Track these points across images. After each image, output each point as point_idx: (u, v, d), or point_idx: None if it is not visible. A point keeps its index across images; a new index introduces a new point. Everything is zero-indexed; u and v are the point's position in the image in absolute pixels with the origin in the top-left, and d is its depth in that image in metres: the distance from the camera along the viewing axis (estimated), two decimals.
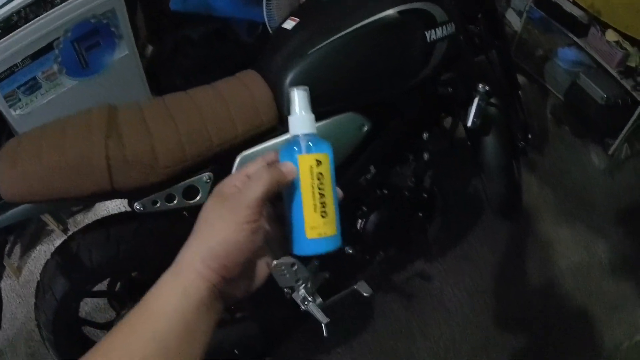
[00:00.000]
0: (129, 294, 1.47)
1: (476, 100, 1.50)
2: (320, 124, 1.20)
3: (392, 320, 1.87)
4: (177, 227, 1.25)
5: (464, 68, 1.48)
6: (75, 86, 1.84)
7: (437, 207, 1.63)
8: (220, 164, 1.14)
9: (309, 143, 0.55)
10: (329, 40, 1.18)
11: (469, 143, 1.67)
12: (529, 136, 1.89)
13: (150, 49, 2.13)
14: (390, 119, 1.33)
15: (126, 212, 1.35)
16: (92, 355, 0.46)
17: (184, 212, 1.22)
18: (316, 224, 0.55)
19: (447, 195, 1.73)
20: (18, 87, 1.74)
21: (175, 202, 1.13)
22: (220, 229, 0.51)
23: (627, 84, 2.34)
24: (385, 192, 1.47)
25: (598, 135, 2.52)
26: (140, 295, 0.51)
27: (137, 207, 1.11)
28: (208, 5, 2.09)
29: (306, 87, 0.57)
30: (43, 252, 2.12)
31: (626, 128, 2.38)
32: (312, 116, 0.57)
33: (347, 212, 1.46)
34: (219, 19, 2.20)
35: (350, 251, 1.47)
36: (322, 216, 0.55)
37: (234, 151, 1.15)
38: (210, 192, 1.13)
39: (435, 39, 1.28)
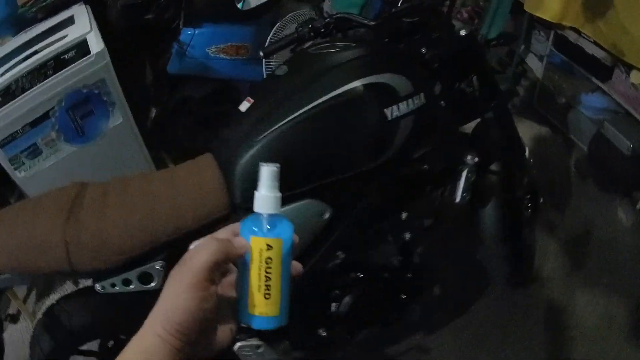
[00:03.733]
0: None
1: (464, 174, 1.41)
2: None
3: None
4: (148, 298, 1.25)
5: (445, 140, 1.40)
6: (74, 152, 1.89)
7: (425, 286, 1.54)
8: (173, 251, 1.12)
9: (267, 225, 0.56)
10: (280, 124, 1.14)
11: (456, 215, 1.57)
12: (540, 200, 1.78)
13: (153, 111, 2.17)
14: (355, 203, 1.27)
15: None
16: None
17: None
18: (258, 303, 0.57)
19: (442, 267, 1.64)
20: (21, 152, 1.81)
21: (132, 286, 1.13)
22: (172, 293, 0.53)
23: None
24: (360, 275, 1.40)
25: (625, 188, 2.36)
26: None
27: (98, 288, 1.13)
28: (205, 67, 2.12)
29: (277, 165, 0.58)
30: (56, 300, 2.19)
31: None
32: (278, 195, 0.57)
33: (318, 294, 1.40)
34: (217, 79, 2.22)
35: (324, 334, 1.41)
36: (265, 297, 0.56)
37: (185, 240, 1.12)
38: (164, 278, 1.11)
39: (398, 115, 1.18)
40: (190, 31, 2.05)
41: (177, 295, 0.53)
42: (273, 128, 1.14)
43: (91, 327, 1.29)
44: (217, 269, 0.55)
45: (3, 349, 1.30)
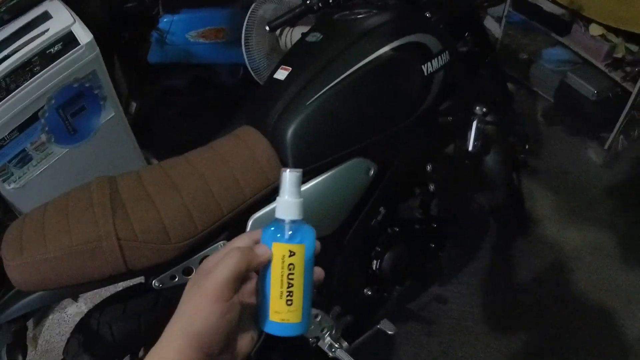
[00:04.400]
0: None
1: (475, 124, 1.49)
2: (328, 174, 1.18)
3: (416, 348, 1.85)
4: None
5: (461, 94, 1.47)
6: (66, 153, 1.81)
7: (447, 234, 1.61)
8: (233, 230, 1.10)
9: (289, 232, 0.56)
10: (326, 88, 1.16)
11: (467, 162, 1.65)
12: (527, 147, 1.89)
13: (134, 105, 2.10)
14: (395, 157, 1.31)
15: (139, 283, 1.31)
16: None
17: None
18: (280, 310, 0.56)
19: (454, 219, 1.71)
20: (9, 161, 1.71)
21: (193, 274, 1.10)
22: (194, 307, 0.52)
23: (617, 76, 2.35)
24: (397, 229, 1.45)
25: (592, 131, 2.53)
26: None
27: (155, 285, 1.07)
28: (186, 54, 2.09)
29: (300, 170, 0.57)
30: (56, 320, 2.09)
31: (620, 120, 2.38)
32: (300, 201, 0.57)
33: (361, 254, 1.43)
34: (198, 65, 2.19)
35: (370, 293, 1.44)
36: (288, 304, 0.56)
37: (245, 215, 1.11)
38: None
39: (432, 70, 1.26)
40: (168, 18, 2.00)
41: (201, 309, 0.52)
42: (321, 92, 1.15)
43: (136, 333, 1.17)
44: (240, 279, 0.54)
45: None
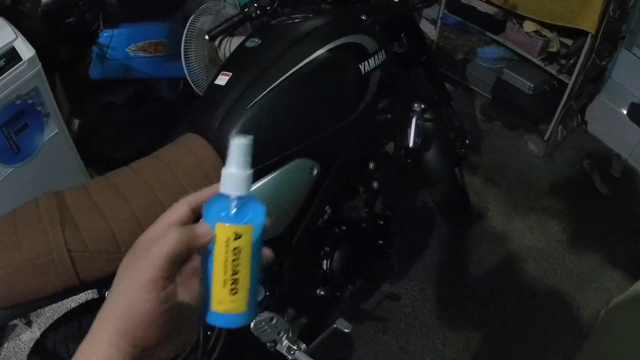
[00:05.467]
0: None
1: (414, 121, 1.55)
2: (271, 176, 1.19)
3: (374, 346, 1.88)
4: None
5: (399, 92, 1.52)
6: (10, 173, 1.76)
7: (394, 231, 1.66)
8: None
9: (236, 209, 0.49)
10: (266, 91, 1.17)
11: (409, 161, 1.71)
12: (467, 141, 1.95)
13: (76, 122, 2.07)
14: (337, 156, 1.34)
15: (92, 299, 1.31)
16: None
17: None
18: (223, 300, 0.50)
19: (400, 216, 1.76)
20: None
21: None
22: (127, 294, 0.46)
23: (552, 69, 2.46)
24: (344, 228, 1.48)
25: (531, 124, 2.62)
26: None
27: (107, 293, 1.06)
28: (127, 69, 2.08)
29: (250, 137, 0.50)
30: (12, 348, 2.00)
31: (558, 111, 2.49)
32: (249, 173, 0.50)
33: (311, 255, 1.46)
34: (138, 80, 2.18)
35: (322, 293, 1.47)
36: (232, 293, 0.50)
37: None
38: None
39: (369, 69, 1.30)
40: (108, 32, 1.99)
41: (133, 296, 0.45)
42: (262, 95, 1.17)
43: None
44: (178, 263, 0.48)
45: None
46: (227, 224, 0.48)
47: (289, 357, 1.38)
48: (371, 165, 1.50)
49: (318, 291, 1.47)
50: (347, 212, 1.54)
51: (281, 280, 1.36)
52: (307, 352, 1.38)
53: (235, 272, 0.49)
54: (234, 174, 0.49)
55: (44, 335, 1.18)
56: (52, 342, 1.15)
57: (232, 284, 0.49)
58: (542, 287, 2.06)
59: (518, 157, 2.58)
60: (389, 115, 1.46)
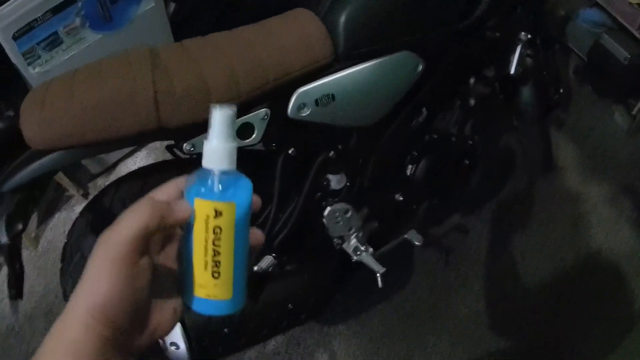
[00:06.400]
0: None
1: (519, 48, 1.49)
2: (376, 61, 1.16)
3: (431, 280, 1.85)
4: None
5: (509, 15, 1.46)
6: (98, 41, 1.77)
7: (480, 156, 1.61)
8: (276, 99, 1.09)
9: (218, 185, 0.45)
10: None
11: (502, 97, 1.65)
12: (561, 90, 1.88)
13: (172, 5, 2.04)
14: (443, 59, 1.30)
15: (162, 161, 1.29)
16: None
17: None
18: (205, 284, 0.47)
19: (486, 148, 1.71)
20: (37, 43, 1.66)
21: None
22: (96, 272, 0.44)
23: None
24: (435, 136, 1.44)
25: (621, 95, 2.51)
26: None
27: (187, 148, 1.03)
28: None
29: (233, 106, 0.46)
30: (62, 219, 2.05)
31: None
32: (233, 145, 0.46)
33: (397, 156, 1.43)
34: None
35: (401, 199, 1.43)
36: (214, 277, 0.46)
37: (290, 87, 1.09)
38: (266, 131, 1.08)
39: None
40: None
41: (102, 273, 0.43)
42: None
43: None
44: (150, 238, 0.45)
45: (23, 270, 1.05)
46: (206, 200, 0.45)
47: (354, 257, 1.35)
48: (472, 81, 1.46)
49: (397, 196, 1.43)
50: (439, 123, 1.49)
51: (363, 174, 1.32)
52: (374, 257, 1.35)
53: (216, 254, 0.46)
54: (217, 147, 0.46)
55: (102, 192, 1.16)
56: (109, 199, 1.13)
57: (214, 266, 0.46)
58: (603, 260, 2.00)
59: (602, 124, 2.48)
60: (498, 34, 1.40)
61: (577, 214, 2.11)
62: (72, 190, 2.04)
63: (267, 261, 1.27)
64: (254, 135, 1.09)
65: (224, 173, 0.46)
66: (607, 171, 2.29)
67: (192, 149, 1.04)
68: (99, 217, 1.15)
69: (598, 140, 2.42)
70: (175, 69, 0.97)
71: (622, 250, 2.02)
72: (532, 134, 1.83)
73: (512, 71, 1.49)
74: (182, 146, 1.03)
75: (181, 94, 0.94)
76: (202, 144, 0.98)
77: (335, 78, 1.11)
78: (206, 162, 0.46)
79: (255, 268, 1.25)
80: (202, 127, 1.00)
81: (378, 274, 1.32)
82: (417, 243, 1.41)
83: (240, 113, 1.05)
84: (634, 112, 2.45)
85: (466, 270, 1.89)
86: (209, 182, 0.46)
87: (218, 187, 0.45)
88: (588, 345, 1.77)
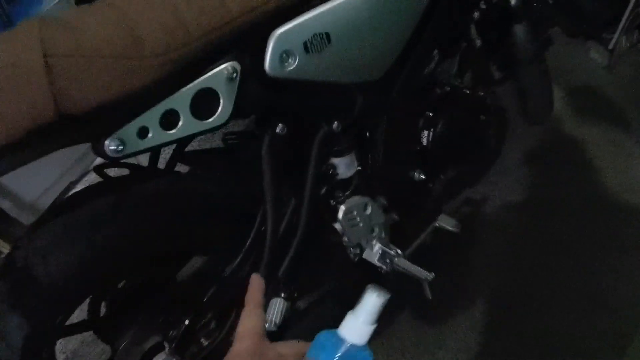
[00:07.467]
0: (120, 315, 0.97)
1: None
2: None
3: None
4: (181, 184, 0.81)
5: None
6: None
7: (492, 110, 1.30)
8: (247, 47, 0.71)
9: (346, 355, 0.47)
10: None
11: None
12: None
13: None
14: None
15: (95, 184, 0.85)
16: None
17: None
18: None
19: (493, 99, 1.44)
20: None
21: (180, 123, 0.68)
22: None
23: None
24: (447, 89, 1.11)
25: (593, 31, 2.32)
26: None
27: (112, 147, 0.64)
28: None
29: (388, 295, 0.48)
30: (12, 246, 1.59)
31: (624, 19, 2.18)
32: (373, 328, 0.48)
33: (411, 122, 1.10)
34: None
35: (422, 176, 1.08)
36: None
37: (264, 28, 0.72)
38: (237, 98, 0.70)
39: None
40: None
41: None
42: None
43: (86, 260, 0.73)
44: None
45: None
46: None
47: (384, 267, 0.98)
48: (475, 15, 1.14)
49: (416, 174, 1.07)
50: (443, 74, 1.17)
51: (374, 150, 0.95)
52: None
53: None
54: (360, 326, 0.48)
55: (15, 247, 0.76)
56: (22, 256, 0.74)
57: None
58: (610, 204, 1.84)
59: (581, 65, 2.31)
60: None
61: (579, 160, 1.99)
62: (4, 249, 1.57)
63: (277, 307, 0.88)
64: (219, 110, 0.70)
65: (353, 346, 0.48)
66: (597, 110, 2.15)
67: (121, 147, 0.65)
68: (12, 288, 0.72)
69: (581, 82, 2.27)
70: (81, 20, 0.60)
71: (629, 189, 1.87)
72: (533, 73, 1.63)
73: (513, 2, 1.32)
74: (103, 146, 0.64)
75: (88, 54, 0.57)
76: (136, 138, 0.60)
77: (329, 8, 0.75)
78: (344, 332, 0.48)
79: (267, 325, 0.86)
80: (128, 108, 0.62)
81: (425, 282, 0.95)
82: (453, 229, 1.06)
83: (193, 70, 0.68)
84: (610, 47, 2.25)
85: (482, 239, 1.69)
86: (338, 349, 0.47)
87: (345, 357, 0.47)
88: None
